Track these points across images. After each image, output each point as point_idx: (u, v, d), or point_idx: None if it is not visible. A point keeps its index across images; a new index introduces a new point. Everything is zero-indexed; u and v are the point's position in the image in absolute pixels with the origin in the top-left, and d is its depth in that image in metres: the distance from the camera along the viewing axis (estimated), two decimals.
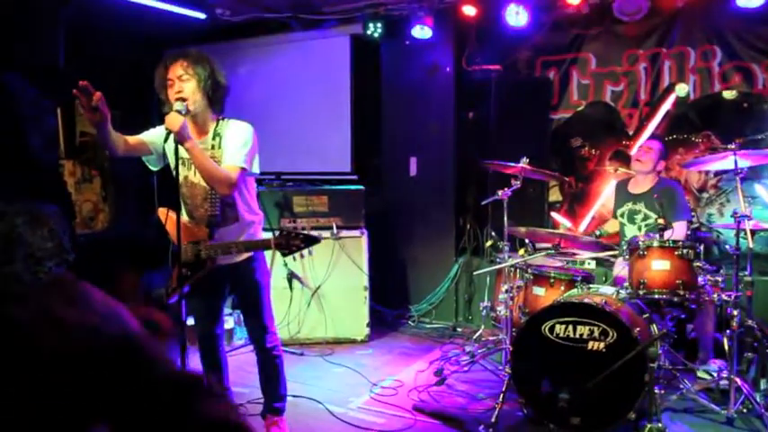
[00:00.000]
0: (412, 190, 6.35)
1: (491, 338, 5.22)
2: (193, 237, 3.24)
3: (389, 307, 6.32)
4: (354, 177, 6.31)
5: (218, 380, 3.65)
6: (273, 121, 6.60)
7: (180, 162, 3.09)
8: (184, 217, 3.28)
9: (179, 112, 3.00)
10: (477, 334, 5.40)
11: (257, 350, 3.56)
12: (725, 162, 3.93)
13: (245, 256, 3.37)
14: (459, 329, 5.96)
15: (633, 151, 4.83)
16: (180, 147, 2.97)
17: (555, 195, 6.35)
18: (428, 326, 6.13)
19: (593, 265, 4.89)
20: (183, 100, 3.08)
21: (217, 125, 3.27)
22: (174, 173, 3.08)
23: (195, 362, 3.49)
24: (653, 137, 4.90)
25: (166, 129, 2.95)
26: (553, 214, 6.19)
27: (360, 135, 6.52)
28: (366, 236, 5.62)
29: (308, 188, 5.77)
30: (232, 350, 5.18)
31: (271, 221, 5.43)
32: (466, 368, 4.75)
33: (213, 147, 3.23)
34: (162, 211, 3.28)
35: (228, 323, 5.31)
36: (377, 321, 5.97)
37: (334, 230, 5.49)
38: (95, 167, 7.47)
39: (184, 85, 3.11)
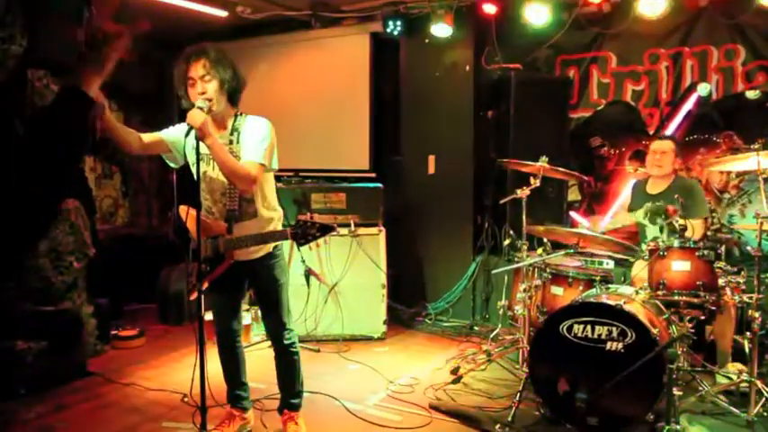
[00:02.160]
0: (430, 188, 6.34)
1: (508, 337, 5.21)
2: (212, 232, 3.26)
3: (406, 305, 6.32)
4: (373, 175, 6.31)
5: (236, 374, 3.69)
6: (293, 118, 6.63)
7: (199, 157, 3.12)
8: (204, 213, 3.30)
9: (201, 108, 3.02)
10: (495, 333, 5.39)
11: (275, 346, 3.58)
12: (747, 163, 3.89)
13: (265, 252, 3.39)
14: (476, 328, 5.95)
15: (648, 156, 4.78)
16: (200, 142, 3.00)
17: (574, 195, 6.32)
18: (445, 324, 6.12)
19: (611, 264, 4.86)
20: (208, 100, 3.10)
21: (235, 120, 3.29)
22: (195, 168, 3.11)
23: (214, 356, 3.52)
24: (664, 137, 4.83)
25: (188, 124, 2.98)
26: (572, 213, 6.17)
27: (379, 133, 6.53)
28: (384, 233, 5.62)
29: (327, 185, 5.79)
30: (249, 346, 5.21)
31: (289, 218, 5.51)
32: (483, 367, 4.74)
33: (231, 142, 3.25)
34: (183, 209, 3.31)
35: (246, 320, 5.34)
36: (394, 319, 5.98)
37: (352, 227, 5.50)
38: (115, 163, 7.55)
39: (207, 85, 3.13)
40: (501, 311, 5.09)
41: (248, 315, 5.46)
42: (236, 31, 6.73)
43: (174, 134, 3.33)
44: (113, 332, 5.42)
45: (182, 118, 3.07)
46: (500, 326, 5.47)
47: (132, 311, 6.26)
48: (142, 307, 6.41)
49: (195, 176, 3.11)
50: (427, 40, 6.11)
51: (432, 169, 6.34)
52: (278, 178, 3.77)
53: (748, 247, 3.81)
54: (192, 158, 3.15)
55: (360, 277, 5.55)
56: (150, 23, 2.69)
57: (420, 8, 6.00)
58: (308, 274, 5.41)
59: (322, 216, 5.48)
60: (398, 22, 6.06)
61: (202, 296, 2.98)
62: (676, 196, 4.14)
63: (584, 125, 6.23)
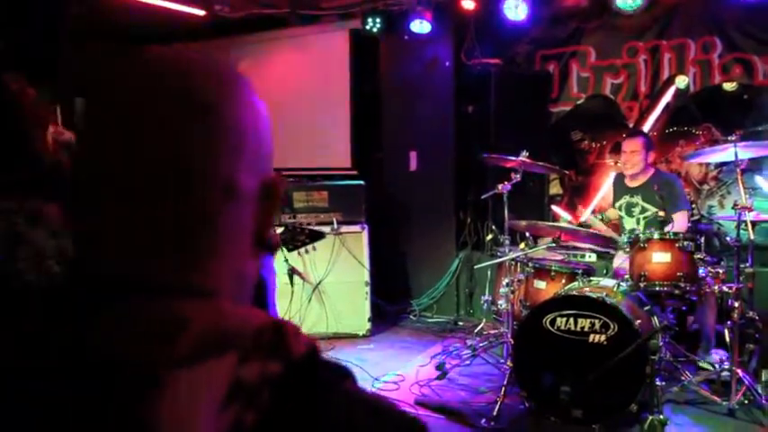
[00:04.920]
0: (412, 185, 6.35)
1: (492, 332, 5.22)
2: None
3: (391, 301, 6.32)
4: (355, 173, 6.31)
5: None
6: (273, 116, 6.54)
7: None
8: None
9: None
10: (479, 328, 5.41)
11: None
12: (725, 154, 3.93)
13: None
14: (460, 323, 5.97)
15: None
16: None
17: (555, 189, 6.36)
18: (429, 320, 6.13)
19: (593, 257, 4.89)
20: None
21: None
22: None
23: None
24: (633, 134, 4.83)
25: None
26: (553, 207, 6.19)
27: (360, 130, 6.52)
28: (367, 231, 5.62)
29: (309, 183, 5.77)
30: None
31: None
32: (467, 362, 4.75)
33: None
34: None
35: None
36: (378, 316, 5.97)
37: (335, 226, 5.49)
38: None
39: None
40: (485, 306, 5.10)
41: None
42: (214, 30, 6.68)
43: None
44: None
45: None
46: (484, 320, 5.49)
47: None
48: None
49: None
50: (407, 37, 6.10)
51: (413, 165, 6.34)
52: None
53: (728, 238, 3.85)
54: None
55: (343, 275, 5.54)
56: None
57: (399, 5, 6.00)
58: (292, 272, 5.39)
59: (304, 215, 5.55)
60: (378, 19, 6.05)
61: None
62: (656, 188, 4.18)
63: (564, 119, 6.26)
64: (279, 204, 0.73)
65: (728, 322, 3.82)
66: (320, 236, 3.22)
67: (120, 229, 0.64)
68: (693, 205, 5.25)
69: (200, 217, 0.65)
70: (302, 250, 5.39)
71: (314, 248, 3.72)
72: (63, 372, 0.57)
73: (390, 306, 6.30)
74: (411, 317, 6.20)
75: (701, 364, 4.22)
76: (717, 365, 4.00)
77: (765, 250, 5.17)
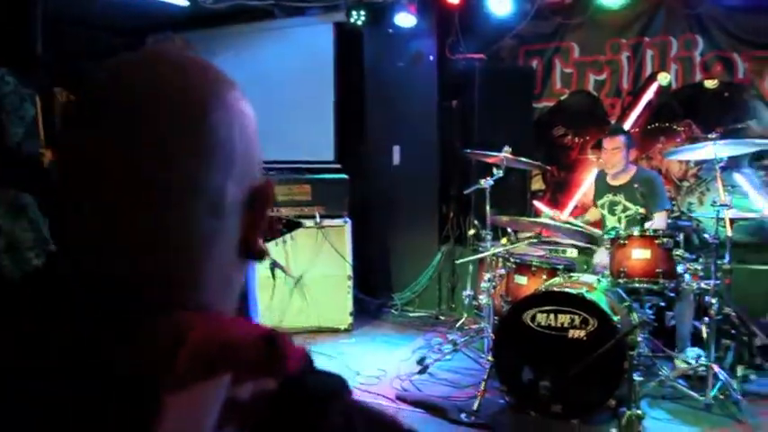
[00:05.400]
0: (395, 179, 6.34)
1: (474, 326, 5.25)
2: None
3: (373, 295, 6.32)
4: (338, 166, 6.29)
5: None
6: (256, 109, 6.45)
7: None
8: None
9: None
10: (460, 322, 5.42)
11: None
12: (705, 152, 3.97)
13: None
14: (442, 317, 5.98)
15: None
16: None
17: (538, 184, 6.38)
18: (411, 314, 6.14)
19: (574, 253, 4.92)
20: None
21: None
22: None
23: None
24: (614, 132, 4.82)
25: None
26: (536, 203, 6.23)
27: (344, 123, 6.49)
28: (349, 225, 5.61)
29: (291, 176, 5.75)
30: None
31: None
32: (449, 357, 4.76)
33: None
34: None
35: None
36: (360, 310, 5.96)
37: (318, 219, 5.49)
38: None
39: None
40: (466, 301, 5.13)
41: None
42: (197, 21, 6.61)
43: None
44: None
45: None
46: (466, 315, 5.50)
47: None
48: None
49: None
50: (391, 30, 6.08)
51: (397, 160, 6.33)
52: None
53: (706, 235, 3.89)
54: None
55: (326, 269, 5.54)
56: None
57: None
58: (274, 266, 5.38)
59: (286, 209, 5.53)
60: (362, 12, 6.02)
61: None
62: (636, 186, 4.21)
63: (547, 115, 6.29)
64: (267, 211, 0.72)
65: (705, 318, 3.86)
66: (297, 225, 3.23)
67: (105, 236, 0.63)
68: (673, 202, 5.31)
69: (186, 229, 0.64)
70: (284, 243, 5.38)
71: (292, 238, 3.71)
72: (63, 372, 0.57)
73: (372, 300, 6.31)
74: (393, 311, 6.21)
75: (678, 360, 4.26)
76: (694, 361, 4.05)
77: (743, 247, 5.23)
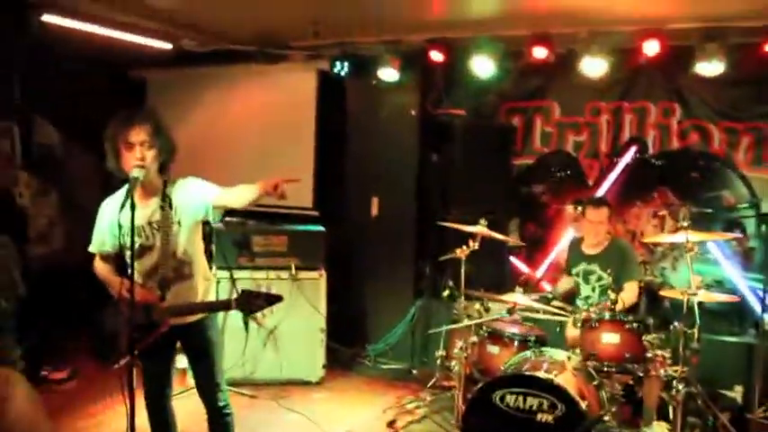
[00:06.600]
0: (373, 229, 6.33)
1: (445, 383, 5.25)
2: (144, 299, 3.19)
3: (346, 344, 6.28)
4: (315, 213, 6.29)
5: None
6: (236, 151, 6.56)
7: (135, 231, 3.03)
8: (137, 279, 3.22)
9: (136, 179, 2.99)
10: (432, 381, 5.40)
11: (208, 408, 3.52)
12: (677, 237, 4.00)
13: (200, 315, 3.36)
14: (414, 371, 5.96)
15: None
16: (135, 215, 2.92)
17: (514, 240, 6.41)
18: (384, 366, 6.10)
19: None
20: (142, 167, 3.05)
21: (164, 186, 3.26)
22: (129, 241, 3.01)
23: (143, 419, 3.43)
24: (599, 203, 4.87)
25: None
26: (512, 259, 6.27)
27: (323, 171, 6.49)
28: (325, 277, 5.60)
29: (268, 227, 5.72)
30: (186, 391, 5.09)
31: (228, 261, 5.43)
32: (419, 420, 4.77)
33: (163, 208, 3.21)
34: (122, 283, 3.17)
35: (182, 362, 5.22)
36: (333, 360, 5.92)
37: (293, 271, 5.47)
38: (53, 183, 7.28)
39: (147, 153, 3.10)
40: (438, 362, 5.13)
41: (185, 358, 5.34)
42: (180, 59, 6.60)
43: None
44: (43, 373, 5.24)
45: None
46: (438, 374, 5.49)
47: (66, 347, 6.03)
48: (76, 342, 6.18)
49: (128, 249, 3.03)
50: (374, 82, 6.09)
51: (375, 211, 6.33)
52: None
53: (675, 323, 3.92)
54: (125, 232, 3.09)
55: (299, 321, 5.51)
56: None
57: (368, 50, 5.99)
58: (247, 317, 5.35)
59: (262, 260, 5.50)
60: (345, 64, 6.03)
61: (133, 369, 2.92)
62: (608, 271, 4.29)
63: (526, 172, 6.34)
64: None
65: (673, 392, 3.86)
66: (277, 299, 3.26)
67: None
68: (647, 266, 5.37)
69: None
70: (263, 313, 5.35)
71: (271, 312, 3.73)
72: None
73: (346, 349, 6.27)
74: (366, 362, 6.18)
75: None
76: None
77: (711, 315, 5.25)
